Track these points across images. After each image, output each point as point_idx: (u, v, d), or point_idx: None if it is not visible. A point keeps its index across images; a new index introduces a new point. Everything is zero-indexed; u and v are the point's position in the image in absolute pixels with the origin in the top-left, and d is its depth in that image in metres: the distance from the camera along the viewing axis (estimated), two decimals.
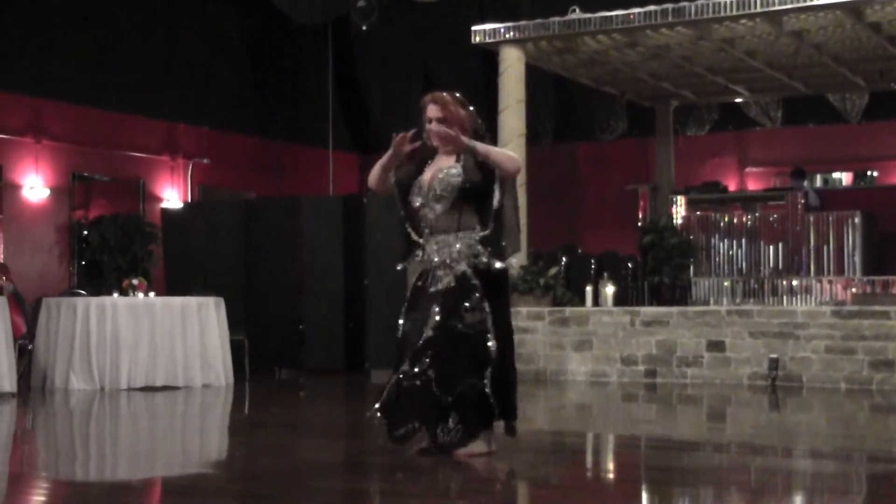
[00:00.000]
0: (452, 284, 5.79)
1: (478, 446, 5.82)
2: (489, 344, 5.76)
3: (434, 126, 5.81)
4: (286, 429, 7.89)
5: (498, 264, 5.82)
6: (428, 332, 5.76)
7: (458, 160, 5.85)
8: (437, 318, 5.74)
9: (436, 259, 5.84)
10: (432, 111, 5.84)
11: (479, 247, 5.81)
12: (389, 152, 5.88)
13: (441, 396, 5.73)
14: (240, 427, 8.40)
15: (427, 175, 5.88)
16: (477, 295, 5.76)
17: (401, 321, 5.94)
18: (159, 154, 15.54)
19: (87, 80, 14.45)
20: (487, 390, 5.75)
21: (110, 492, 5.47)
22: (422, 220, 5.90)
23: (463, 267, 5.79)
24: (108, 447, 7.23)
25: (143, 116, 15.22)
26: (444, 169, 5.83)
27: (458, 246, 5.81)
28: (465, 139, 5.77)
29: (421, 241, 5.93)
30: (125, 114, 14.97)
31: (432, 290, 5.82)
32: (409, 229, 6.00)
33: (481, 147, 5.80)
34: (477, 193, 5.80)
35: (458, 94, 5.94)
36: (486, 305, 5.77)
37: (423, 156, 5.96)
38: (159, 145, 15.55)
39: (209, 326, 10.76)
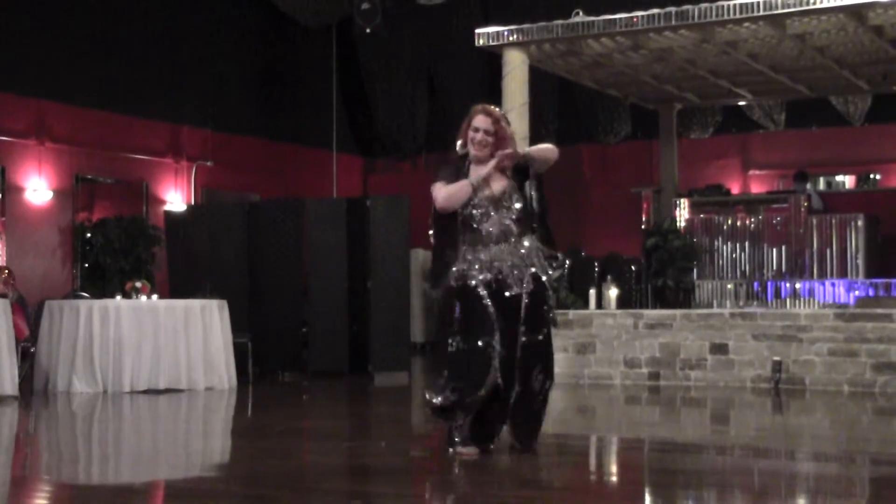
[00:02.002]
0: (532, 288, 6.02)
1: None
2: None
3: (508, 151, 6.01)
4: (289, 432, 7.89)
5: (552, 272, 6.13)
6: (524, 341, 5.99)
7: (504, 172, 6.10)
8: (525, 326, 5.97)
9: (507, 264, 6.01)
10: (482, 122, 6.05)
11: (542, 252, 6.10)
12: (486, 170, 6.02)
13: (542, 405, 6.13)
14: (243, 430, 8.40)
15: (494, 187, 6.07)
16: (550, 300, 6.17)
17: (457, 338, 6.00)
18: (163, 156, 15.56)
19: (91, 82, 14.47)
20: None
21: (113, 495, 5.48)
22: (477, 232, 6.06)
23: (534, 271, 6.06)
24: (111, 450, 7.24)
25: (146, 119, 15.24)
26: (506, 182, 6.08)
27: (524, 250, 6.06)
28: (519, 152, 6.13)
29: (463, 252, 6.07)
30: (129, 116, 14.99)
31: (508, 294, 5.99)
32: (447, 240, 6.13)
33: (532, 150, 6.20)
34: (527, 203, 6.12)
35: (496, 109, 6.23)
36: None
37: (458, 164, 6.19)
38: (163, 147, 15.57)
39: (212, 329, 10.75)
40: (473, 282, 5.99)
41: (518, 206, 6.07)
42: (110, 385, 10.18)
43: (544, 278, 6.08)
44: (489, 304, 5.96)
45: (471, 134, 6.07)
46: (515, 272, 6.02)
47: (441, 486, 5.58)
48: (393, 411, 9.60)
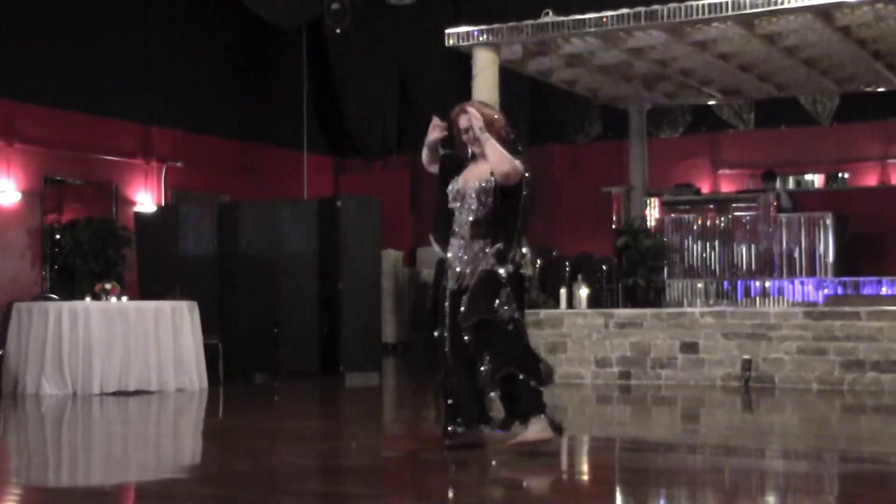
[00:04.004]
0: (477, 279, 6.00)
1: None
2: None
3: (462, 119, 6.08)
4: (261, 433, 7.86)
5: (502, 270, 6.01)
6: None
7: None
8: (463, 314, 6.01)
9: (462, 260, 6.08)
10: (464, 121, 6.12)
11: (492, 257, 6.01)
12: (432, 136, 6.19)
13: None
14: (214, 431, 8.36)
15: (460, 181, 6.13)
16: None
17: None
18: (133, 157, 15.45)
19: (60, 82, 14.34)
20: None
21: (83, 498, 5.44)
22: (454, 221, 6.13)
23: (482, 268, 6.02)
24: (81, 452, 7.15)
25: (116, 119, 15.12)
26: (477, 178, 6.07)
27: (473, 251, 6.06)
28: (480, 133, 6.01)
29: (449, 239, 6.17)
30: (98, 116, 14.87)
31: (455, 287, 6.08)
32: (438, 223, 6.26)
33: (486, 143, 6.00)
34: (503, 205, 6.03)
35: (490, 104, 6.43)
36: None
37: (458, 163, 6.26)
38: (133, 148, 15.46)
39: (183, 330, 10.71)
40: (449, 271, 6.13)
41: (474, 206, 6.04)
42: (80, 387, 10.12)
43: (501, 271, 5.99)
44: (447, 294, 6.12)
45: (462, 137, 6.16)
46: (468, 269, 6.07)
47: (411, 486, 5.57)
48: (364, 412, 9.58)
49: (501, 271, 5.98)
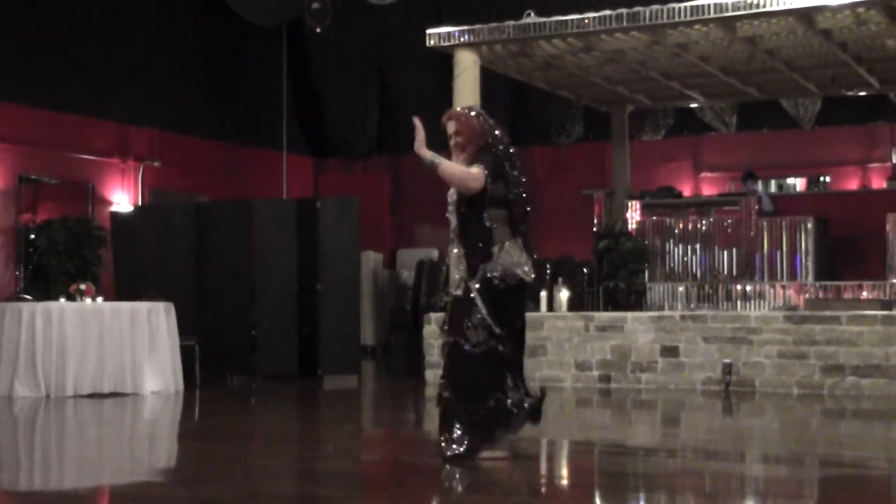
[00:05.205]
0: (459, 294, 6.06)
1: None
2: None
3: (416, 120, 5.99)
4: (237, 435, 7.83)
5: (474, 282, 5.97)
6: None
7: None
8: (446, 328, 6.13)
9: (453, 267, 6.30)
10: (450, 128, 6.13)
11: (470, 261, 6.00)
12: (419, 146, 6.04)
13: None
14: (189, 434, 8.33)
15: (451, 189, 6.13)
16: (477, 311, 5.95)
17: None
18: (109, 156, 15.34)
19: (35, 80, 14.20)
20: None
21: (57, 501, 5.41)
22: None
23: (458, 277, 6.08)
24: (54, 455, 7.10)
25: (92, 118, 14.99)
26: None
27: (453, 256, 6.14)
28: (423, 150, 5.93)
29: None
30: (74, 115, 14.74)
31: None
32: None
33: (438, 161, 5.93)
34: (469, 213, 6.00)
35: (475, 107, 6.35)
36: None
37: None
38: (109, 147, 15.34)
39: (159, 332, 10.64)
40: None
41: (453, 215, 6.07)
42: (53, 389, 10.03)
43: (476, 285, 5.96)
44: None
45: (450, 143, 6.18)
46: (457, 276, 6.17)
47: (389, 491, 5.56)
48: (343, 415, 9.55)
49: (476, 284, 5.93)
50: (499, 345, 5.93)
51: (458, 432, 5.90)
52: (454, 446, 5.90)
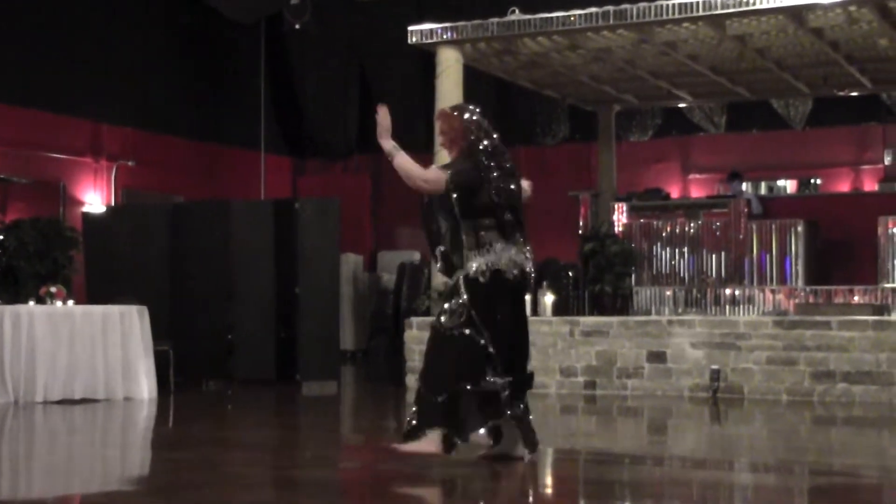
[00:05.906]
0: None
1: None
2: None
3: (380, 108, 6.03)
4: (212, 442, 7.79)
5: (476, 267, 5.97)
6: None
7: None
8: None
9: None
10: (438, 126, 6.20)
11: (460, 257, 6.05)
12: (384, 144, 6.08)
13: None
14: (163, 441, 8.29)
15: None
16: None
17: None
18: (82, 155, 15.25)
19: (5, 76, 14.06)
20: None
21: None
22: None
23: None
24: (23, 463, 7.02)
25: (64, 115, 14.91)
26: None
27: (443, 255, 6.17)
28: (384, 140, 5.97)
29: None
30: (45, 112, 14.62)
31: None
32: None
33: (395, 154, 5.95)
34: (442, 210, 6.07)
35: (463, 105, 6.34)
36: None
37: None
38: (82, 146, 15.24)
39: (132, 336, 10.54)
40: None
41: (441, 219, 6.15)
42: (22, 395, 9.92)
43: (462, 276, 6.01)
44: None
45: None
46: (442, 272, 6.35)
47: (368, 497, 5.53)
48: (321, 421, 9.51)
49: (463, 273, 5.98)
50: (475, 334, 5.88)
51: (415, 410, 5.94)
52: (409, 420, 5.94)
